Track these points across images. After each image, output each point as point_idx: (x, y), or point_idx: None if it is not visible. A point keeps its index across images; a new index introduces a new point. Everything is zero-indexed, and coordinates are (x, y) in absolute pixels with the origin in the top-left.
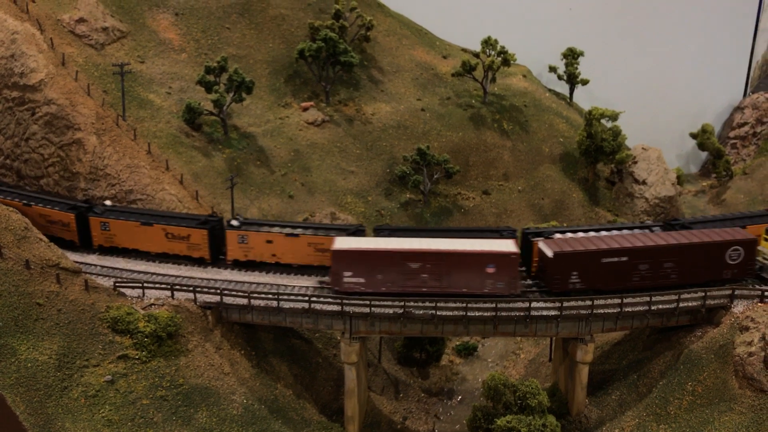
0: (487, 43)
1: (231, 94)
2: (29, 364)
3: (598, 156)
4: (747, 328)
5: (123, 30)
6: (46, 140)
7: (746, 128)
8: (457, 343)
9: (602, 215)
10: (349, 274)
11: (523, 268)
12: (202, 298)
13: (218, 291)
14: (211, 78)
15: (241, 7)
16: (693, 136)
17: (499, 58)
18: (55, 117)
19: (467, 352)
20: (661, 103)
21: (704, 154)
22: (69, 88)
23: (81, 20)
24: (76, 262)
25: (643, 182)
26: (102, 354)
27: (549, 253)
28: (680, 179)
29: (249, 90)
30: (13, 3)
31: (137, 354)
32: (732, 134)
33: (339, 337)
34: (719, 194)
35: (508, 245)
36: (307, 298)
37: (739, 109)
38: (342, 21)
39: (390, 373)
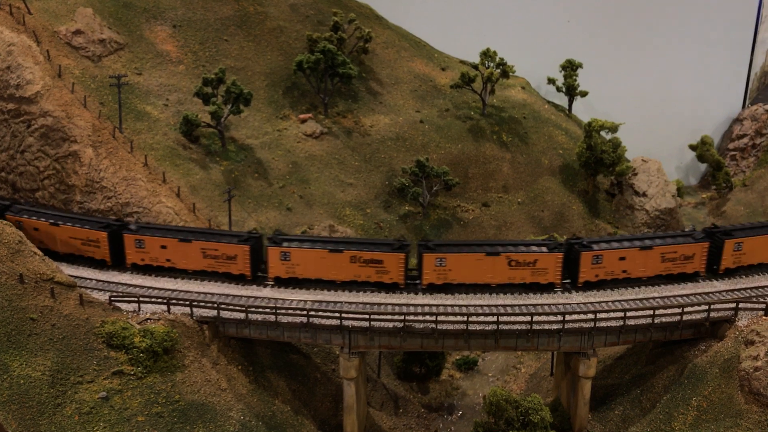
0: (486, 54)
1: (229, 106)
2: (22, 381)
3: (597, 168)
4: (752, 342)
5: (120, 42)
6: (41, 153)
7: (745, 140)
8: (458, 357)
9: (602, 227)
10: None
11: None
12: (199, 312)
13: (215, 305)
14: (208, 90)
15: (239, 20)
16: (692, 147)
17: (498, 70)
18: (51, 129)
19: (467, 366)
20: (660, 114)
21: (704, 166)
22: (65, 100)
23: (78, 32)
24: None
25: (643, 194)
26: (96, 370)
27: None
28: (680, 191)
29: (247, 102)
30: (9, 15)
31: (132, 370)
32: (731, 146)
33: (338, 352)
34: (719, 206)
35: None
36: (305, 312)
37: (738, 120)
38: (340, 33)
39: (389, 389)
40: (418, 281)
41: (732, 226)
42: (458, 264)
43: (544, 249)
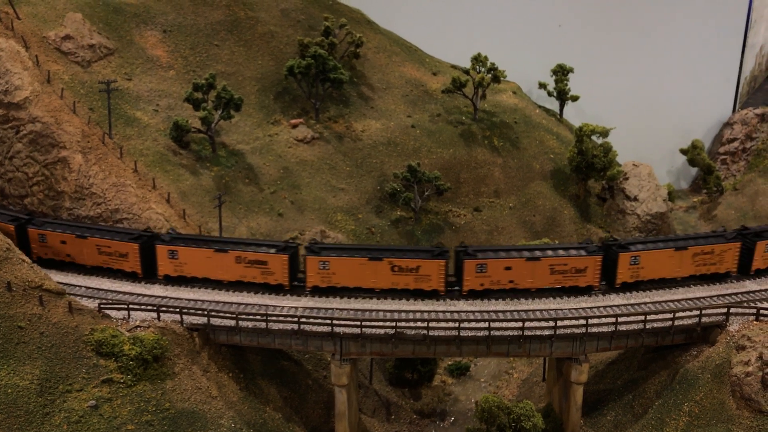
0: (477, 59)
1: (219, 112)
2: (9, 390)
3: (589, 172)
4: (743, 347)
5: (110, 47)
6: (30, 159)
7: (736, 144)
8: (450, 362)
9: (594, 232)
10: None
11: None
12: (189, 319)
13: (205, 312)
14: (199, 95)
15: (229, 24)
16: (683, 152)
17: (489, 75)
18: (40, 135)
19: (460, 372)
20: (651, 119)
21: (694, 170)
22: (54, 106)
23: (67, 37)
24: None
25: (635, 198)
26: (86, 378)
27: None
28: (671, 195)
29: (237, 107)
30: None
31: (122, 378)
32: (722, 150)
33: (329, 359)
34: (710, 210)
35: None
36: (296, 319)
37: (728, 125)
38: (331, 38)
39: (381, 395)
40: (304, 283)
41: (633, 239)
42: (342, 268)
43: (427, 255)
